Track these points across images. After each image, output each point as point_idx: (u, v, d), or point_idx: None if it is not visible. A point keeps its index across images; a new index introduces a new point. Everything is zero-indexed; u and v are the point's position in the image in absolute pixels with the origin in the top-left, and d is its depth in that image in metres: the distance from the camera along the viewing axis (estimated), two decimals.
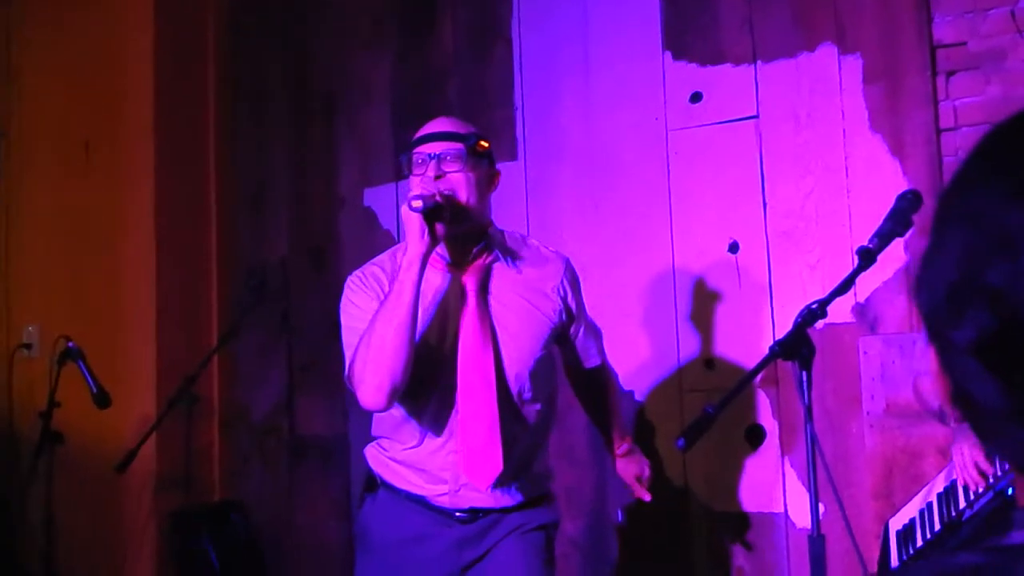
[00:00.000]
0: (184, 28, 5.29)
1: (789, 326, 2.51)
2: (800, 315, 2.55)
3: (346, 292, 3.00)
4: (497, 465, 2.83)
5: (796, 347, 2.53)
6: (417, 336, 2.76)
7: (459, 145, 2.88)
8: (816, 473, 2.51)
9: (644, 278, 4.17)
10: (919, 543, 3.02)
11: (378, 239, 4.74)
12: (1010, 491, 2.84)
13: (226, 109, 5.40)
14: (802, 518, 3.71)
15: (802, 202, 3.88)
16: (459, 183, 2.83)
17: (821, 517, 2.60)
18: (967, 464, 2.94)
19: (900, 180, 3.63)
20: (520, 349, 2.89)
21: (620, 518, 2.65)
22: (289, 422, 5.06)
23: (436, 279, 2.89)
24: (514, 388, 2.88)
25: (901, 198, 2.68)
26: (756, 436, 3.92)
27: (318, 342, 4.90)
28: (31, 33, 5.29)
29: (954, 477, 3.02)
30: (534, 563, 2.96)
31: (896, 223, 2.61)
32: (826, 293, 2.56)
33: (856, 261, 2.57)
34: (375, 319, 2.73)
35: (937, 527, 3.00)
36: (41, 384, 4.62)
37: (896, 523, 3.14)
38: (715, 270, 4.03)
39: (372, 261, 3.05)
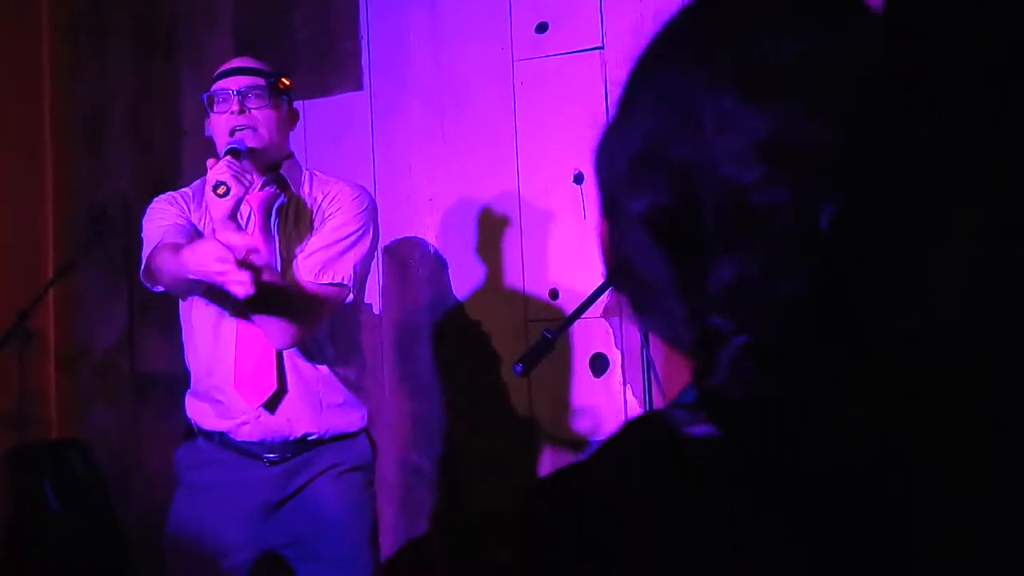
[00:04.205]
0: None
1: None
2: None
3: (153, 205, 3.03)
4: (270, 384, 2.84)
5: None
6: None
7: (261, 81, 2.91)
8: (652, 398, 2.54)
9: (490, 209, 4.15)
10: None
11: None
12: None
13: (63, 40, 5.18)
14: None
15: None
16: (261, 120, 2.87)
17: None
18: None
19: None
20: None
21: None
22: (131, 359, 4.94)
23: None
24: None
25: None
26: (600, 365, 3.96)
27: None
28: None
29: None
30: (349, 504, 2.96)
31: None
32: None
33: None
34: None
35: None
36: None
37: None
38: (560, 201, 4.03)
39: (182, 189, 3.11)
